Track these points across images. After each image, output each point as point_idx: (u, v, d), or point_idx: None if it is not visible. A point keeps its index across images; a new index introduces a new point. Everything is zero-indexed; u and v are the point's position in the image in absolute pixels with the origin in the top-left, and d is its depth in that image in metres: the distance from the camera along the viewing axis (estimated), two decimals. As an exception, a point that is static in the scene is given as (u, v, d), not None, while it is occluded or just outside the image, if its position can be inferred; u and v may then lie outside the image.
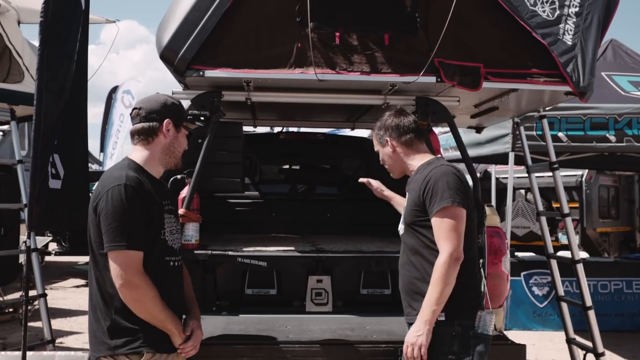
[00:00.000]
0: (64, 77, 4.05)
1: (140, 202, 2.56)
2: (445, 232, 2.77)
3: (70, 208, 4.22)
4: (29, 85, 5.21)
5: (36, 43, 4.02)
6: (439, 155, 3.22)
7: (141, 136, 2.74)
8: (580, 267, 5.00)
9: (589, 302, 4.94)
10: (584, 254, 9.30)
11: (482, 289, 3.21)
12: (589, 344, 4.89)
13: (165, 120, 2.72)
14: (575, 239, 5.32)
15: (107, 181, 2.60)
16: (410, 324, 2.92)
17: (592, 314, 4.90)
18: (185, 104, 3.74)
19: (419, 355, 2.74)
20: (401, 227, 3.08)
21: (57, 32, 3.93)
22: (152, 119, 2.72)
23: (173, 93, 3.82)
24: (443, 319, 2.79)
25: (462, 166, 4.45)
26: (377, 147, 3.27)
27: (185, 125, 2.82)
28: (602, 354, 4.89)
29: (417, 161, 3.10)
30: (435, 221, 2.81)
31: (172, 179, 3.99)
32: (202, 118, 3.85)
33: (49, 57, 3.85)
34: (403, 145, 3.13)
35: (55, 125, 3.97)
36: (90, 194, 2.73)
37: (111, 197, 2.52)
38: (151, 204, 2.61)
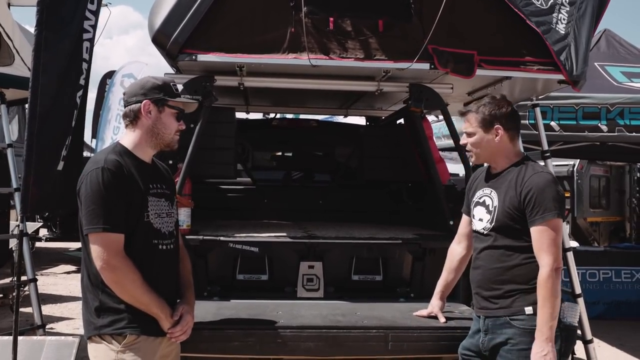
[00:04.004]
0: (67, 58, 3.98)
1: (118, 185, 2.55)
2: (546, 245, 2.75)
3: (68, 189, 4.23)
4: (19, 68, 5.15)
5: (26, 26, 3.99)
6: (526, 154, 3.08)
7: (126, 120, 2.74)
8: (570, 256, 5.03)
9: (578, 290, 4.98)
10: (574, 243, 9.34)
11: None
12: (578, 331, 4.92)
13: (144, 102, 2.69)
14: (566, 228, 5.36)
15: (88, 165, 2.63)
16: (485, 318, 2.92)
17: (581, 301, 4.93)
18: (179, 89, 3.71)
19: None
20: (486, 225, 2.96)
21: (58, 12, 3.87)
22: (132, 102, 2.71)
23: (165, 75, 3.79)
24: (532, 313, 2.77)
25: (454, 155, 4.47)
26: (474, 129, 2.98)
27: (172, 104, 2.75)
28: (591, 341, 4.94)
29: (511, 159, 2.98)
30: (536, 232, 2.77)
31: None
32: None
33: (48, 38, 3.79)
34: (508, 138, 2.97)
35: (52, 107, 3.91)
36: None
37: (89, 181, 2.54)
38: (131, 187, 2.61)
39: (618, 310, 7.89)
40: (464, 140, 3.06)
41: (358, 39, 3.66)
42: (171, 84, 2.80)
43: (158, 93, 2.72)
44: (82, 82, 4.14)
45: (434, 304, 3.43)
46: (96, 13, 4.21)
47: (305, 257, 3.94)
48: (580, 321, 4.88)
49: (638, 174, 12.34)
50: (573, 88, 3.92)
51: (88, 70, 4.21)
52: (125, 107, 2.74)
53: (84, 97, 4.27)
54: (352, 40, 3.66)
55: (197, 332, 2.90)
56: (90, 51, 4.21)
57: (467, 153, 3.11)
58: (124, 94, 2.79)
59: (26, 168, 3.80)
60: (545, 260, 2.75)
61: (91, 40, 4.18)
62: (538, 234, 2.78)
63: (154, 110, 2.71)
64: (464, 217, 3.24)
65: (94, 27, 4.21)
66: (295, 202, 5.39)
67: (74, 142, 4.28)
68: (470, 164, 3.27)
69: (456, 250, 3.31)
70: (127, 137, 2.75)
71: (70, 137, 4.18)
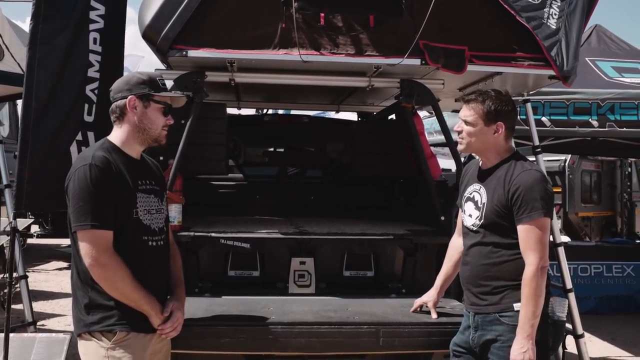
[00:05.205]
0: (67, 51, 3.90)
1: (106, 182, 2.54)
2: (532, 243, 2.74)
3: None
4: (9, 64, 5.12)
5: (17, 22, 3.95)
6: (516, 150, 3.06)
7: (113, 116, 2.73)
8: (561, 251, 5.07)
9: (569, 284, 5.02)
10: (565, 238, 9.39)
11: None
12: (569, 326, 4.96)
13: (129, 97, 2.68)
14: (558, 223, 5.38)
15: (76, 162, 2.63)
16: (474, 314, 2.91)
17: (572, 296, 4.97)
18: (168, 84, 3.70)
19: None
20: (475, 222, 2.95)
21: (56, 4, 3.82)
22: (118, 98, 2.70)
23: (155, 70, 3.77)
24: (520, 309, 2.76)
25: (446, 150, 4.47)
26: (475, 119, 2.92)
27: (157, 99, 2.73)
28: (582, 336, 4.98)
29: (501, 155, 2.95)
30: (523, 230, 2.77)
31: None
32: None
33: (44, 30, 3.74)
34: (504, 136, 2.95)
35: (50, 102, 3.84)
36: None
37: (77, 178, 2.54)
38: (119, 184, 2.60)
39: (609, 305, 7.94)
40: (459, 126, 2.99)
41: (349, 34, 3.65)
42: (157, 78, 2.77)
43: (143, 88, 2.70)
44: (94, 74, 4.04)
45: (430, 295, 3.40)
46: (107, 2, 4.09)
47: (296, 253, 3.94)
48: (571, 316, 4.92)
49: (629, 169, 12.39)
50: (564, 83, 3.94)
51: (105, 62, 4.07)
52: (111, 103, 2.73)
53: (104, 90, 4.15)
54: (343, 36, 3.65)
55: (188, 329, 2.90)
56: (104, 42, 4.05)
57: (458, 138, 3.04)
58: (110, 90, 2.77)
59: (20, 164, 3.75)
60: (531, 259, 2.74)
61: (101, 31, 4.05)
62: (525, 233, 2.77)
63: (140, 106, 2.69)
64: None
65: (105, 17, 4.05)
66: (287, 198, 5.38)
67: (100, 139, 4.16)
68: (458, 151, 3.22)
69: (457, 242, 3.26)
70: (115, 134, 2.74)
71: (92, 133, 4.04)
